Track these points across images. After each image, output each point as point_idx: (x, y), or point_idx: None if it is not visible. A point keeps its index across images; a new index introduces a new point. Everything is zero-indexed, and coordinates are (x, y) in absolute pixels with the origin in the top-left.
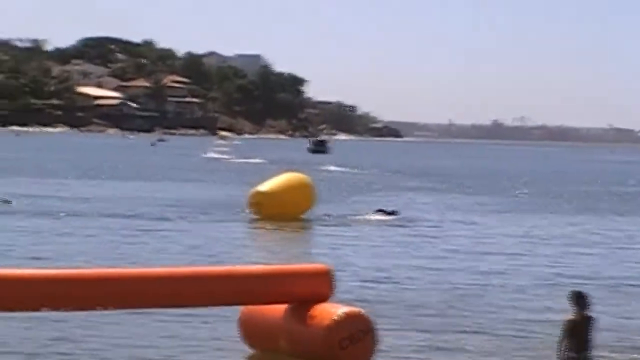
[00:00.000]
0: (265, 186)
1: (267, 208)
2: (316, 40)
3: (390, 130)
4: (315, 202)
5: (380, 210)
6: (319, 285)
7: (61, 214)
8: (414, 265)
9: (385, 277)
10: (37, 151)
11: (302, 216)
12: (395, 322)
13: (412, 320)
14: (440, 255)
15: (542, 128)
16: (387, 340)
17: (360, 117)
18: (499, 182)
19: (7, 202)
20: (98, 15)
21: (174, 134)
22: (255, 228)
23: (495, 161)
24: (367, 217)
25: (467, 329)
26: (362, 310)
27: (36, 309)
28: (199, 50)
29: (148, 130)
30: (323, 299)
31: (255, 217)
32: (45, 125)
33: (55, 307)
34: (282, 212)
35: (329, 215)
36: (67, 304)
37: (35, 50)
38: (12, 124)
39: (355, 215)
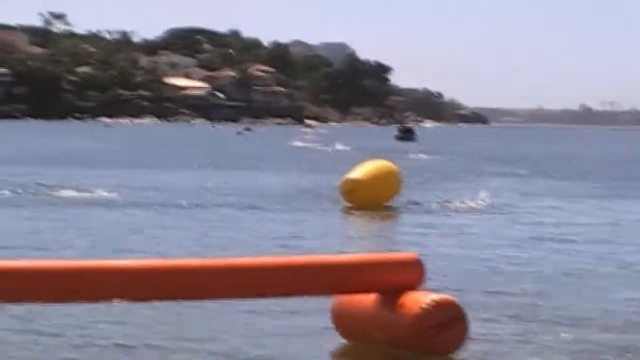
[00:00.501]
0: (357, 173)
1: (359, 196)
2: (402, 27)
3: (477, 117)
4: (402, 189)
5: (468, 198)
6: (409, 274)
7: (152, 205)
8: (503, 253)
9: (474, 265)
10: (127, 142)
11: (390, 204)
12: (485, 311)
13: (502, 308)
14: (529, 243)
15: (632, 112)
16: (477, 328)
17: (446, 103)
18: (586, 167)
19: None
20: (185, 5)
21: (260, 123)
22: (343, 216)
23: (583, 146)
24: (454, 204)
25: (558, 318)
26: (452, 298)
27: (130, 299)
28: (285, 39)
29: (234, 120)
30: (413, 287)
31: (345, 205)
32: (133, 116)
33: (139, 299)
34: (373, 200)
35: (416, 203)
36: (154, 295)
37: (123, 41)
38: (101, 115)
39: (442, 202)
